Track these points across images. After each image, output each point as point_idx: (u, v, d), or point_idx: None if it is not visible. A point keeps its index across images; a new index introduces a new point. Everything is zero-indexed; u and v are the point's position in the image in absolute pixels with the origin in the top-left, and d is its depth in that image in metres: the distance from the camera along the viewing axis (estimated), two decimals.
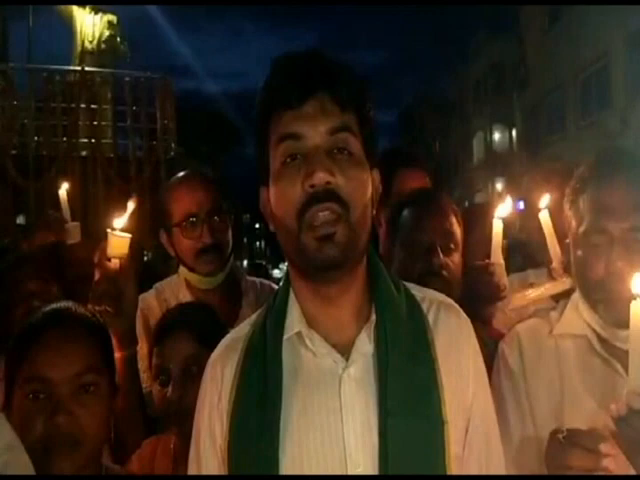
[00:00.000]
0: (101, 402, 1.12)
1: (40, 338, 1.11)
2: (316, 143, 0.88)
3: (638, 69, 13.69)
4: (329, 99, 0.89)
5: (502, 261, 1.67)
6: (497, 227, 1.68)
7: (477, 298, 1.55)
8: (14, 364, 1.12)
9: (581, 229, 1.15)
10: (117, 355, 1.46)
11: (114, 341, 1.44)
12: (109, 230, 1.47)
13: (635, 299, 0.91)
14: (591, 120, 16.00)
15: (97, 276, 1.46)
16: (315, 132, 0.88)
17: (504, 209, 1.68)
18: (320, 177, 0.85)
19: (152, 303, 1.81)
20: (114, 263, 1.45)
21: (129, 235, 1.48)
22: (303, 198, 0.86)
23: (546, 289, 1.62)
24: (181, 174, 1.88)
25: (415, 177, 2.18)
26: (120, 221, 1.49)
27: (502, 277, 1.65)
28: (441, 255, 1.55)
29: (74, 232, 2.30)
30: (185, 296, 1.82)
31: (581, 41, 15.87)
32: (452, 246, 1.59)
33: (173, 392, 1.35)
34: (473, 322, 1.00)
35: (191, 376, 1.33)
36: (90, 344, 1.14)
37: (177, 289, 1.85)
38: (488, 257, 1.65)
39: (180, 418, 1.32)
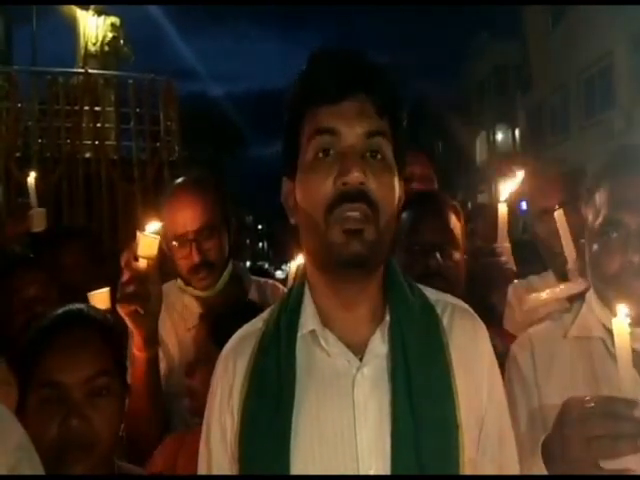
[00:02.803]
0: (114, 404, 1.13)
1: (53, 342, 1.11)
2: (352, 142, 0.88)
3: None
4: (368, 101, 0.89)
5: (508, 244, 1.68)
6: (502, 210, 1.69)
7: (485, 282, 1.55)
8: (27, 368, 1.12)
9: (597, 222, 1.12)
10: (140, 355, 1.50)
11: (139, 341, 1.49)
12: (138, 231, 1.47)
13: (616, 316, 0.90)
14: (595, 120, 15.96)
15: (125, 276, 1.46)
16: (352, 132, 0.88)
17: (506, 189, 1.68)
18: (355, 176, 0.85)
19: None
20: (142, 263, 1.46)
21: (158, 237, 1.48)
22: (334, 195, 0.86)
23: (561, 290, 1.62)
24: (175, 184, 1.87)
25: (417, 160, 2.19)
26: (152, 226, 1.50)
27: (509, 259, 1.65)
28: (439, 256, 1.54)
29: (38, 219, 2.23)
30: (189, 300, 1.84)
31: (584, 41, 15.82)
32: (452, 246, 1.59)
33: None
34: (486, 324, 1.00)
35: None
36: (102, 347, 1.15)
37: (181, 293, 1.86)
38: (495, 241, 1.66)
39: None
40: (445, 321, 0.95)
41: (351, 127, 0.88)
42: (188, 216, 1.76)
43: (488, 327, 1.00)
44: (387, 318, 0.91)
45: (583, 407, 0.88)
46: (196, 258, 1.75)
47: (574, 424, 0.88)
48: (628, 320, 0.90)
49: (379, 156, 0.89)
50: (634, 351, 1.02)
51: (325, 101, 0.88)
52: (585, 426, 0.87)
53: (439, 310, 0.96)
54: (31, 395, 1.10)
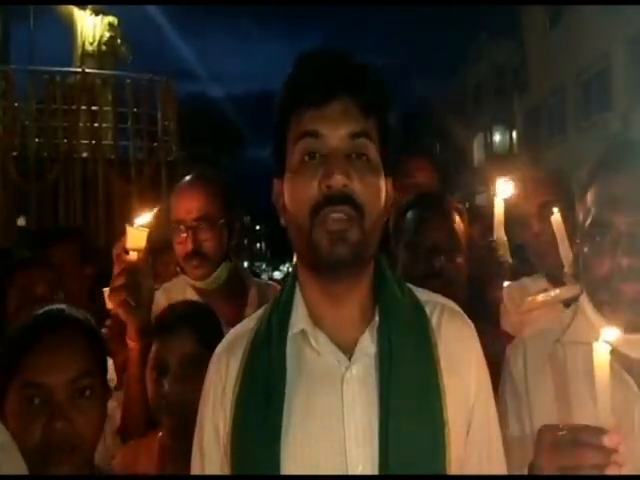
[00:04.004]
0: (96, 406, 1.12)
1: (35, 343, 1.10)
2: (336, 145, 0.89)
3: (639, 70, 13.69)
4: (353, 103, 0.90)
5: (504, 238, 1.68)
6: (498, 206, 1.69)
7: (481, 277, 1.55)
8: (8, 368, 1.10)
9: (587, 223, 1.07)
10: (133, 345, 1.52)
11: (131, 332, 1.51)
12: (127, 225, 1.50)
13: (597, 340, 0.84)
14: (592, 122, 16.02)
15: (116, 269, 1.49)
16: (336, 134, 0.89)
17: (503, 191, 1.69)
18: (338, 179, 0.86)
19: (161, 302, 1.85)
20: (132, 256, 1.49)
21: (147, 229, 1.51)
22: (318, 197, 0.87)
23: (557, 294, 1.62)
24: (185, 179, 1.92)
25: (422, 168, 2.19)
26: (141, 219, 1.53)
27: (505, 254, 1.66)
28: (442, 257, 1.54)
29: None
30: (191, 295, 1.86)
31: (582, 42, 15.88)
32: (454, 248, 1.58)
33: (170, 385, 1.37)
34: (482, 326, 0.99)
35: (187, 371, 1.36)
36: (85, 348, 1.14)
37: (183, 289, 1.89)
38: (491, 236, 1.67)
39: (173, 411, 1.35)
40: (434, 321, 0.95)
41: (335, 129, 0.89)
42: (190, 204, 1.80)
43: (485, 326, 1.00)
44: (376, 318, 0.92)
45: (554, 435, 0.85)
46: (189, 245, 1.77)
47: (547, 452, 0.85)
48: (609, 347, 0.84)
49: (364, 157, 0.90)
50: (629, 359, 1.02)
51: (310, 104, 0.89)
52: (556, 455, 0.83)
53: (428, 310, 0.96)
54: (13, 395, 1.08)
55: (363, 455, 0.87)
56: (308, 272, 0.94)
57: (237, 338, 0.99)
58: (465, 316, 0.99)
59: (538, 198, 1.87)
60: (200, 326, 1.44)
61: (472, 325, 0.99)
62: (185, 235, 1.78)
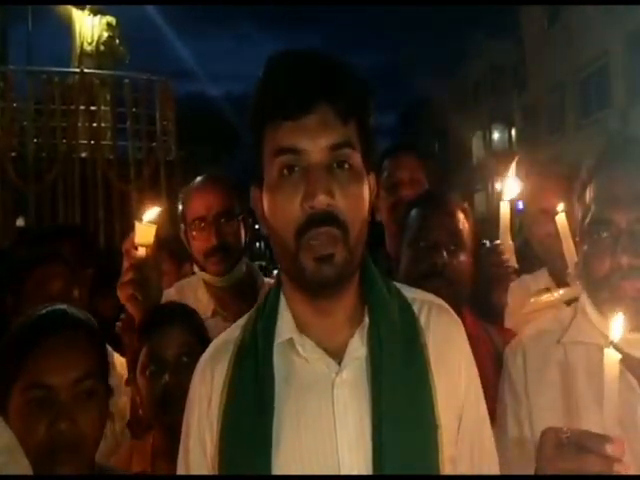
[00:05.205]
0: (99, 406, 1.12)
1: (39, 343, 1.09)
2: (316, 159, 0.84)
3: (637, 68, 13.72)
4: (331, 112, 0.84)
5: (510, 242, 1.66)
6: (504, 209, 1.66)
7: (486, 280, 1.53)
8: (11, 368, 1.10)
9: (587, 221, 1.05)
10: None
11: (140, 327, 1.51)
12: (136, 221, 1.52)
13: (608, 346, 0.82)
14: (591, 119, 16.04)
15: (126, 264, 1.51)
16: (315, 147, 0.84)
17: (510, 190, 1.66)
18: (320, 200, 0.82)
19: (173, 300, 1.85)
20: (141, 251, 1.50)
21: (155, 225, 1.53)
22: (302, 218, 0.84)
23: (561, 295, 1.60)
24: (197, 179, 1.94)
25: (404, 165, 2.11)
26: (149, 214, 1.54)
27: (510, 257, 1.64)
28: (444, 254, 1.51)
29: None
30: (203, 294, 1.89)
31: (580, 40, 15.89)
32: (457, 246, 1.55)
33: (171, 376, 1.37)
34: (487, 323, 0.97)
35: (186, 361, 1.37)
36: (88, 348, 1.13)
37: (196, 287, 1.91)
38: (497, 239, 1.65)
39: (175, 404, 1.32)
40: (422, 319, 0.93)
41: (315, 142, 0.84)
42: (210, 200, 1.81)
43: (492, 325, 0.97)
44: (366, 320, 0.90)
45: (558, 437, 0.83)
46: (214, 240, 1.79)
47: (549, 454, 0.83)
48: (619, 356, 0.82)
49: (346, 165, 0.86)
50: (629, 357, 1.00)
51: (285, 117, 0.84)
52: (558, 457, 0.82)
53: (416, 308, 0.94)
54: (16, 396, 1.08)
55: (357, 459, 0.85)
56: (293, 286, 0.91)
57: (222, 347, 0.96)
58: (453, 313, 0.98)
59: (556, 196, 1.77)
60: (188, 318, 1.48)
61: (460, 321, 0.97)
62: (206, 231, 1.80)
